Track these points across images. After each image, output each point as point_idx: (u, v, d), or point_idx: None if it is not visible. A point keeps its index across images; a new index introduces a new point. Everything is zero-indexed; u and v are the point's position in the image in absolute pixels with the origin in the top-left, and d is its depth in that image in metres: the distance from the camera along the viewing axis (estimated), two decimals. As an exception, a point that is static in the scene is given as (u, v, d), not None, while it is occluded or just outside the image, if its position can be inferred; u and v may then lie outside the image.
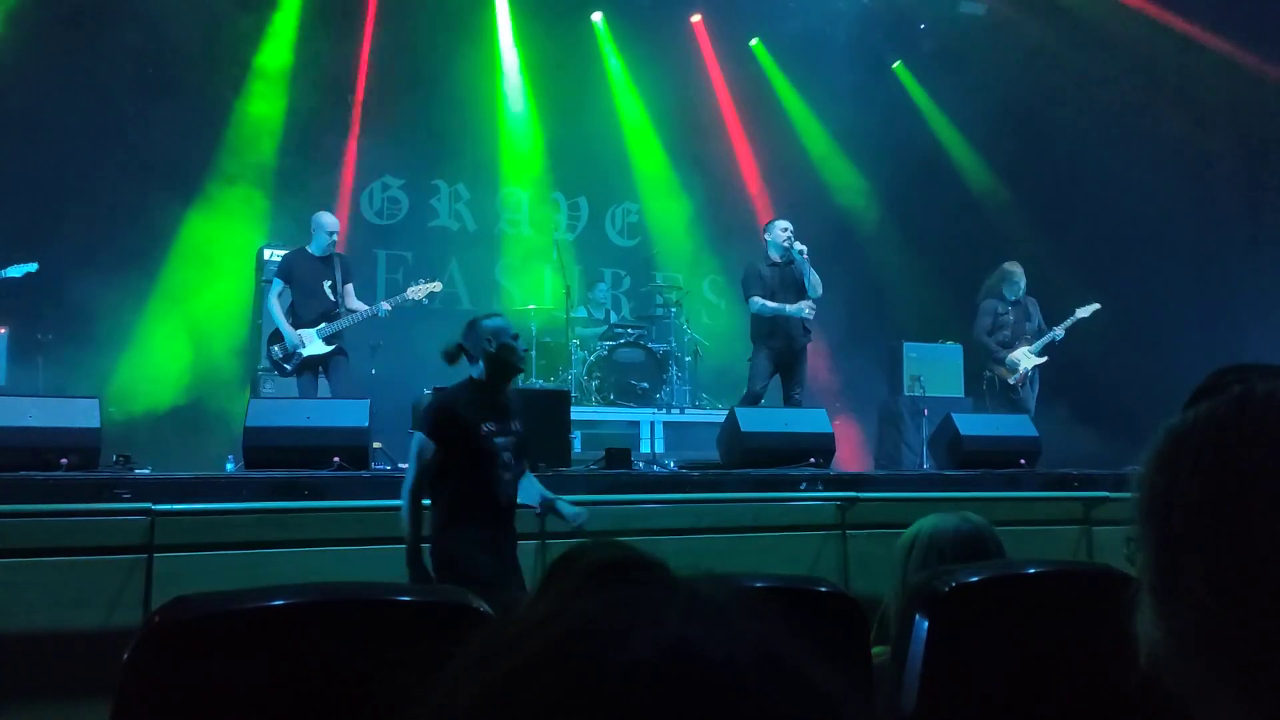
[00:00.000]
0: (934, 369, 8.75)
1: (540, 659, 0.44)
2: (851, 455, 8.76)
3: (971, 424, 6.20)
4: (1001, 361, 7.63)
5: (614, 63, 10.12)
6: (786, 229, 6.97)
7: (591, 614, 0.46)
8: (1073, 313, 7.61)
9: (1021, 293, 7.74)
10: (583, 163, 9.85)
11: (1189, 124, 8.97)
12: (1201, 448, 0.67)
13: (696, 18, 10.35)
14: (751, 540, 4.93)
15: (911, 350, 8.82)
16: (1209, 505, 0.65)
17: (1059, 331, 7.58)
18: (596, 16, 10.11)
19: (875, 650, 2.14)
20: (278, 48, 8.78)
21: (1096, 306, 7.59)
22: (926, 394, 8.43)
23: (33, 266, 6.38)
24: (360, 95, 8.97)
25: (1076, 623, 1.67)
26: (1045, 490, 5.66)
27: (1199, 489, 0.66)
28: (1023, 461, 5.96)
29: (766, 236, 7.13)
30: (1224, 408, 0.68)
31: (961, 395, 8.70)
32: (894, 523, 5.19)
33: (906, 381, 8.68)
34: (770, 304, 6.82)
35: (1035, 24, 9.53)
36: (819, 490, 5.24)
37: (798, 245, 6.82)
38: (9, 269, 6.29)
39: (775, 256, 6.99)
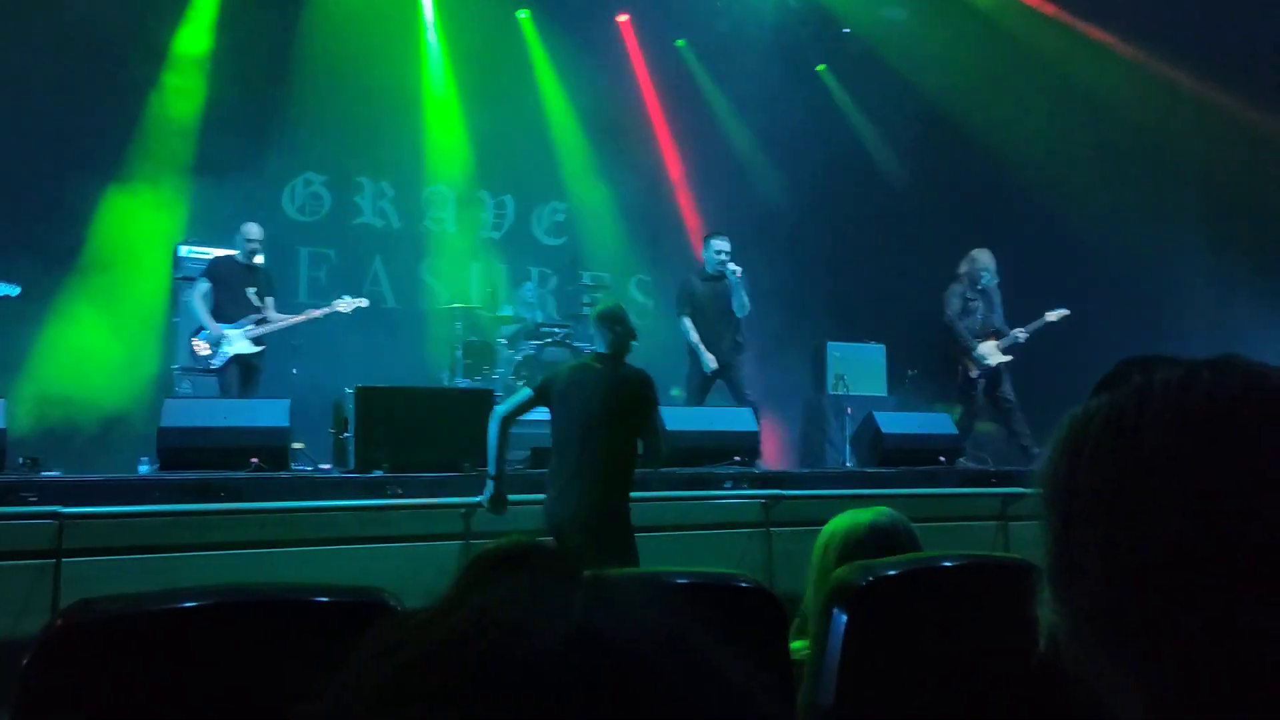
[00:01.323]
0: (857, 368, 8.90)
1: (440, 649, 0.44)
2: (777, 453, 8.85)
3: (892, 422, 6.32)
4: (970, 351, 7.39)
5: (541, 61, 10.08)
6: (721, 250, 7.07)
7: (494, 604, 0.46)
8: (1041, 315, 7.43)
9: (989, 281, 7.52)
10: (509, 161, 9.79)
11: (1104, 129, 9.27)
12: (1101, 436, 0.68)
13: (623, 17, 10.37)
14: (677, 539, 4.95)
15: (835, 350, 8.96)
16: (1107, 492, 0.66)
17: (1021, 334, 7.41)
18: (522, 14, 10.06)
19: (795, 645, 2.16)
20: (196, 33, 8.53)
21: (1065, 312, 7.42)
22: (850, 393, 8.58)
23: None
24: (281, 88, 8.77)
25: (992, 614, 1.71)
26: (964, 486, 5.79)
27: (1098, 476, 0.67)
28: (942, 459, 6.09)
29: (703, 251, 7.23)
30: (1124, 397, 0.69)
31: (884, 394, 8.87)
32: (817, 520, 5.21)
33: (831, 380, 8.81)
34: (693, 335, 6.94)
35: (953, 30, 9.75)
36: (744, 488, 5.29)
37: (732, 267, 6.94)
38: None
39: (709, 271, 7.11)
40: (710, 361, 6.88)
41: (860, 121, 10.57)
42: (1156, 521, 0.64)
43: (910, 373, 9.16)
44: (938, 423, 6.59)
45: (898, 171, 10.41)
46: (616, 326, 4.12)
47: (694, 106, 10.43)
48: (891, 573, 1.91)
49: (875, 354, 9.07)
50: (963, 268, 7.67)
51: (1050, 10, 9.53)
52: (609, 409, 3.95)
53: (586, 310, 9.14)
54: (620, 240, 10.25)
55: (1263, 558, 0.61)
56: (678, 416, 5.83)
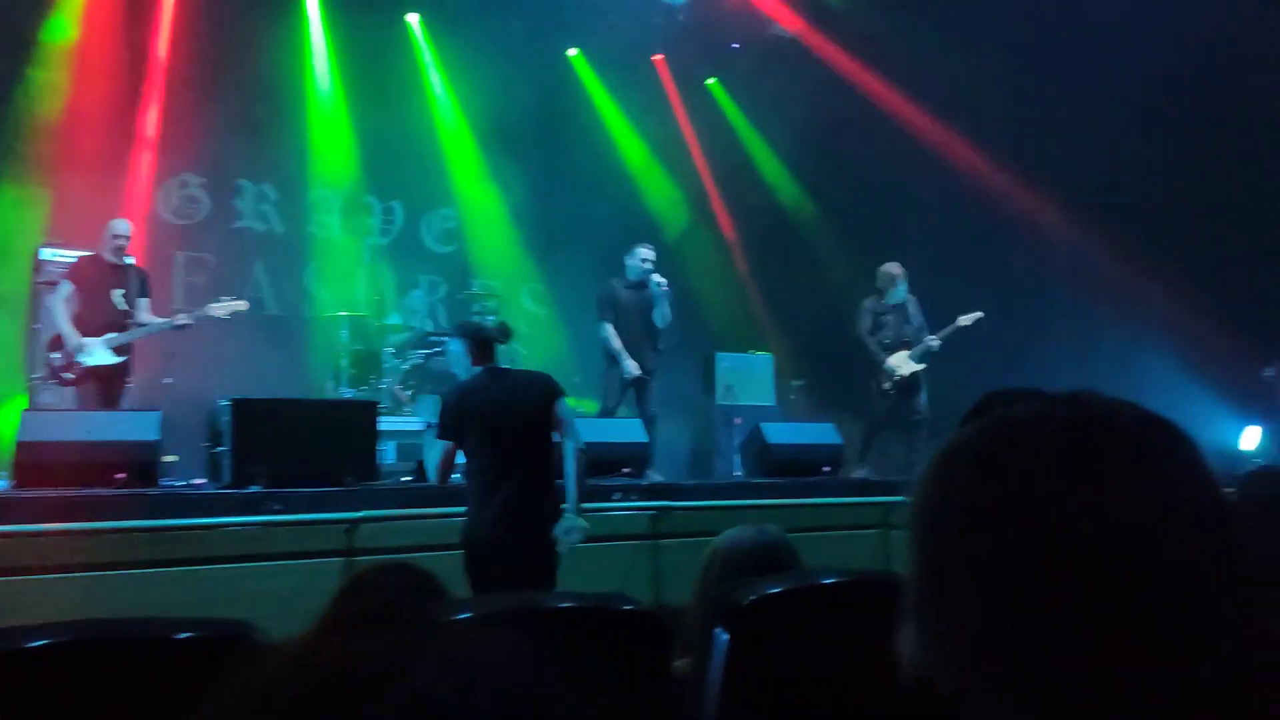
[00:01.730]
0: (746, 378, 9.03)
1: (290, 707, 0.45)
2: (668, 464, 8.91)
3: (779, 432, 6.43)
4: (879, 365, 7.48)
5: (431, 65, 9.93)
6: (647, 259, 7.08)
7: (346, 662, 0.47)
8: (954, 321, 7.50)
9: (901, 295, 7.62)
10: (398, 166, 9.61)
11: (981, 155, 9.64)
12: (967, 467, 0.71)
13: (516, 25, 10.29)
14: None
15: (724, 360, 9.07)
16: (973, 521, 0.69)
17: (934, 341, 7.47)
18: (413, 18, 9.90)
19: (678, 663, 2.17)
20: (63, 24, 8.08)
21: (979, 315, 7.50)
22: (739, 403, 8.70)
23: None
24: (156, 85, 8.41)
25: (873, 631, 1.74)
26: (847, 496, 5.92)
27: (964, 506, 0.70)
28: (826, 468, 6.21)
29: (627, 259, 7.21)
30: (988, 430, 0.73)
31: (772, 403, 9.01)
32: (706, 531, 5.29)
33: (720, 391, 8.92)
34: (615, 343, 6.90)
35: (840, 50, 10.02)
36: (633, 500, 5.29)
37: (657, 279, 6.95)
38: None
39: (632, 279, 7.11)
40: (633, 367, 6.84)
41: (750, 135, 10.74)
42: (1020, 551, 0.66)
43: (796, 383, 9.34)
44: (822, 433, 6.73)
45: (786, 185, 10.61)
46: (476, 335, 4.06)
47: (586, 116, 10.43)
48: (773, 590, 1.93)
49: (763, 364, 9.22)
50: (877, 281, 7.80)
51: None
52: (511, 419, 3.86)
53: (476, 319, 9.06)
54: (512, 248, 10.17)
55: (1115, 585, 0.64)
56: (567, 428, 5.79)
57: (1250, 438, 9.26)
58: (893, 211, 9.78)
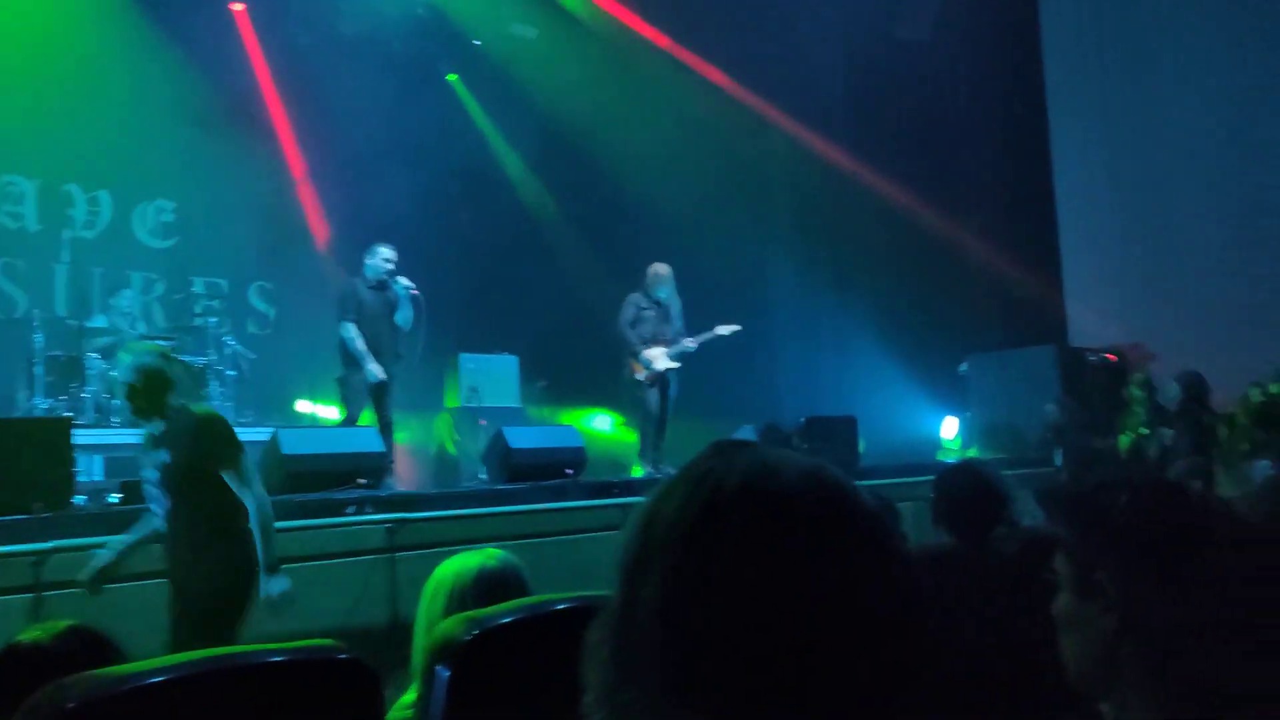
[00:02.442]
0: (490, 380, 8.94)
1: None
2: (412, 471, 8.66)
3: (521, 437, 6.37)
4: (636, 356, 7.52)
5: (145, 43, 9.06)
6: (389, 259, 6.75)
7: None
8: (711, 328, 7.64)
9: (665, 294, 7.68)
10: (106, 152, 8.72)
11: (710, 155, 10.04)
12: (670, 521, 0.75)
13: (239, 6, 9.63)
14: (297, 571, 4.63)
15: (468, 361, 8.94)
16: (663, 580, 0.72)
17: (691, 344, 7.58)
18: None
19: (406, 699, 2.06)
20: None
21: (737, 327, 7.67)
22: (484, 404, 8.58)
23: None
24: None
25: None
26: (588, 499, 5.95)
27: (656, 555, 0.74)
28: (569, 471, 6.23)
29: (367, 259, 6.83)
30: (698, 495, 0.75)
31: (518, 405, 8.97)
32: (447, 541, 5.17)
33: (464, 393, 8.77)
34: (359, 344, 6.53)
35: (579, 52, 10.11)
36: (368, 513, 5.06)
37: (404, 281, 6.65)
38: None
39: (373, 279, 6.77)
40: (377, 371, 6.50)
41: (492, 133, 10.62)
42: (687, 609, 0.71)
43: (540, 383, 9.35)
44: (564, 435, 6.75)
45: (528, 184, 10.58)
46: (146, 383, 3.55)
47: (320, 106, 9.91)
48: (501, 622, 1.86)
49: (508, 365, 9.16)
50: (645, 279, 7.89)
51: (664, 43, 10.18)
52: (170, 474, 3.47)
53: (199, 321, 8.41)
54: (238, 243, 9.49)
55: (757, 646, 0.68)
56: (295, 439, 5.47)
57: (949, 427, 10.23)
58: (638, 214, 10.00)
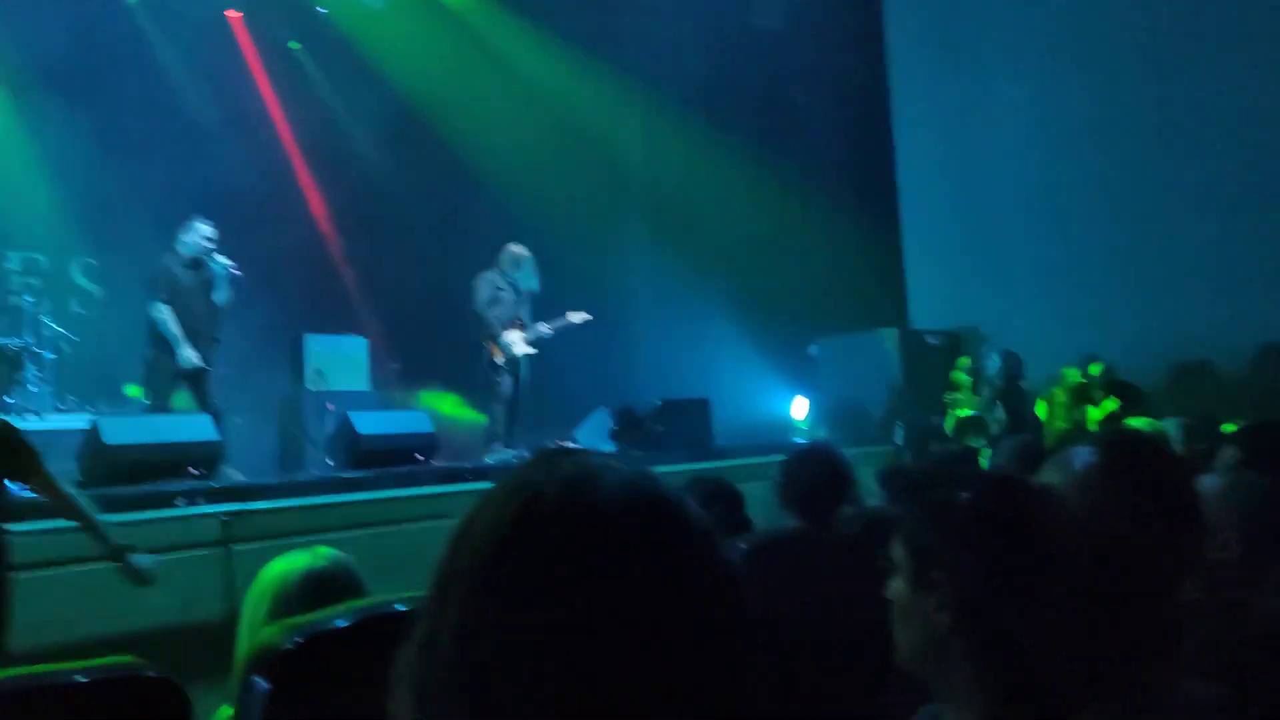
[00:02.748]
0: (338, 362, 8.62)
1: None
2: (253, 460, 8.28)
3: (369, 422, 6.17)
4: (496, 338, 7.38)
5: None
6: (207, 235, 6.37)
7: None
8: (563, 314, 7.58)
9: (522, 277, 7.55)
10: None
11: (563, 131, 9.96)
12: (483, 534, 0.71)
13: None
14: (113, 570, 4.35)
15: (314, 343, 8.58)
16: (473, 591, 0.69)
17: (547, 330, 7.51)
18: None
19: (225, 712, 1.93)
20: None
21: (588, 316, 7.64)
22: (331, 388, 8.27)
23: None
24: None
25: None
26: (440, 485, 5.82)
27: (463, 569, 0.70)
28: (420, 457, 6.07)
29: (182, 235, 6.42)
30: (512, 508, 0.71)
31: (367, 389, 8.68)
32: (291, 532, 4.95)
33: (309, 375, 8.43)
34: (173, 326, 6.15)
35: (428, 23, 9.83)
36: (200, 504, 4.79)
37: (222, 260, 6.28)
38: None
39: (189, 256, 6.36)
40: (192, 357, 6.15)
41: (337, 104, 10.20)
42: (488, 633, 0.67)
43: (392, 366, 9.09)
44: (415, 421, 6.57)
45: (375, 158, 10.21)
46: None
47: (148, 71, 9.29)
48: (328, 627, 1.76)
49: (356, 347, 8.85)
50: (500, 259, 7.71)
51: (520, 19, 10.00)
52: None
53: (14, 300, 7.78)
54: (61, 216, 8.82)
55: (565, 674, 0.64)
56: (119, 428, 5.12)
57: (799, 407, 10.51)
58: (492, 192, 9.82)
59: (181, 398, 6.33)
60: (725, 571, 0.70)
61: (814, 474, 3.16)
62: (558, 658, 0.64)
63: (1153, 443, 1.61)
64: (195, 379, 6.30)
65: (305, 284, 9.53)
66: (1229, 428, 3.83)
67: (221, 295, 6.34)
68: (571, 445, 7.63)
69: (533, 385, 7.58)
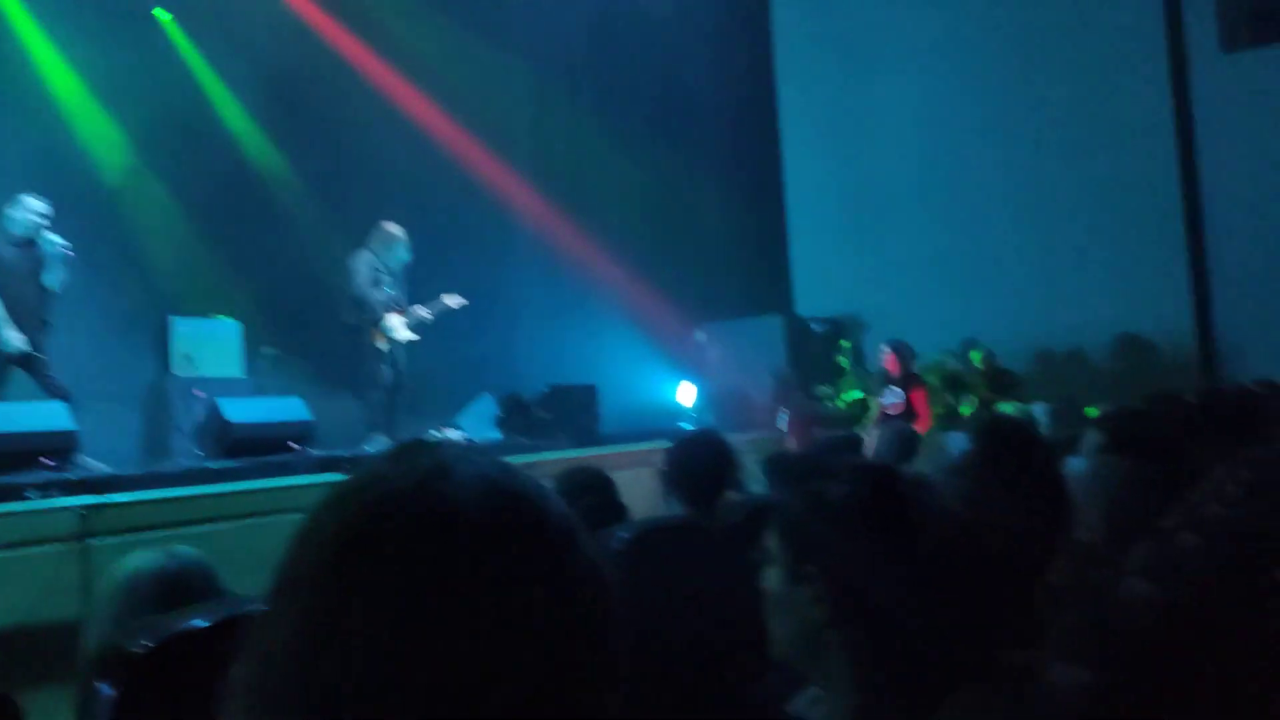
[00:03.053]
0: (208, 347, 8.25)
1: None
2: (117, 448, 7.87)
3: (240, 410, 5.92)
4: (377, 323, 7.18)
5: None
6: (40, 212, 5.97)
7: None
8: (439, 298, 7.43)
9: (400, 258, 7.38)
10: None
11: (460, 117, 9.77)
12: (327, 534, 0.65)
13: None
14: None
15: (182, 325, 8.19)
16: (318, 603, 0.63)
17: (427, 314, 7.37)
18: None
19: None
20: None
21: (464, 302, 7.51)
22: (200, 374, 7.92)
23: None
24: None
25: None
26: (316, 474, 5.63)
27: (312, 587, 0.64)
28: (294, 445, 5.87)
29: (8, 210, 6.01)
30: (358, 507, 0.65)
31: (241, 375, 8.34)
32: (153, 525, 4.72)
33: (176, 360, 8.05)
34: None
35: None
36: (54, 497, 4.52)
37: (55, 239, 5.90)
38: None
39: (18, 235, 5.96)
40: (16, 340, 5.79)
41: (206, 76, 9.72)
42: (330, 644, 0.61)
43: (266, 351, 8.75)
44: (289, 408, 6.34)
45: (249, 134, 9.78)
46: None
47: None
48: (180, 629, 1.66)
49: (229, 330, 8.48)
50: (373, 239, 7.44)
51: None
52: None
53: None
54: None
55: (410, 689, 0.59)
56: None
57: (686, 393, 10.59)
58: (373, 171, 9.54)
59: (19, 386, 5.94)
60: (587, 568, 0.66)
61: (700, 461, 3.16)
62: (406, 666, 0.59)
63: (1022, 428, 1.65)
64: (27, 365, 5.93)
65: (172, 264, 9.09)
66: (1092, 412, 4.00)
67: (54, 277, 5.98)
68: (451, 433, 7.52)
69: (415, 371, 7.41)
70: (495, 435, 7.71)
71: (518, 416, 7.52)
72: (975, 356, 8.92)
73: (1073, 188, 10.16)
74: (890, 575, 1.10)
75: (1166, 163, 9.84)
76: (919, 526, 1.09)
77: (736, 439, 3.42)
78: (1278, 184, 9.31)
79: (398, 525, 0.63)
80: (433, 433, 7.39)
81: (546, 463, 6.53)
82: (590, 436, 7.65)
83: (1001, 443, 1.58)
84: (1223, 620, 1.13)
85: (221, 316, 8.44)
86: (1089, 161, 10.08)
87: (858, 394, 8.97)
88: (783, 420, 8.77)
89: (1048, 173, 10.33)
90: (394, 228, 7.44)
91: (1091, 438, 2.92)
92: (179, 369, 7.92)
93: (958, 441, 1.62)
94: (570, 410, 7.79)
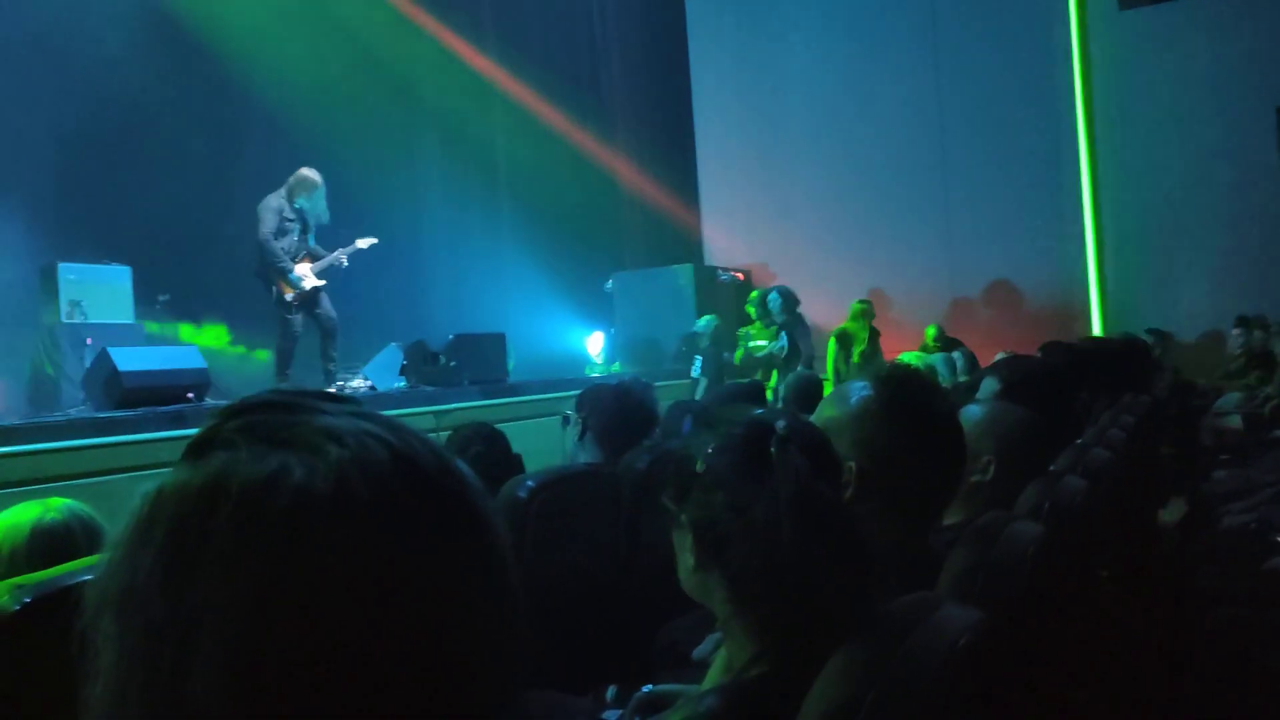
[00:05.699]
0: (97, 293, 7.89)
1: None
2: (3, 399, 7.52)
3: (132, 358, 5.68)
4: (285, 274, 6.98)
5: None
6: None
7: None
8: (352, 242, 7.30)
9: (311, 205, 7.15)
10: None
11: (356, 60, 9.42)
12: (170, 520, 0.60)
13: None
14: None
15: (69, 271, 7.81)
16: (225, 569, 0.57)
17: (343, 258, 7.21)
18: None
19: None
20: None
21: (374, 240, 7.38)
22: (89, 321, 7.59)
23: None
24: None
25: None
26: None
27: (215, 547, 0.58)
28: (190, 395, 5.67)
29: None
30: (203, 479, 0.61)
31: (132, 321, 8.02)
32: (40, 479, 4.52)
33: (65, 307, 7.68)
34: None
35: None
36: (-70, 451, 4.29)
37: None
38: None
39: None
40: None
41: (85, 4, 9.11)
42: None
43: (161, 298, 8.42)
44: (185, 356, 6.12)
45: (134, 70, 9.25)
46: None
47: None
48: (59, 586, 1.59)
49: (120, 276, 8.12)
50: (291, 186, 7.20)
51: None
52: None
53: None
54: None
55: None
56: None
57: (594, 343, 10.58)
58: (271, 112, 9.18)
59: None
60: (493, 547, 0.62)
61: (620, 411, 3.14)
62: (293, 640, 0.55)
63: (919, 377, 1.68)
64: None
65: (58, 207, 8.63)
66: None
67: None
68: (358, 383, 7.37)
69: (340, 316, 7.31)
70: (401, 384, 7.59)
71: (423, 365, 7.39)
72: (930, 331, 9.20)
73: (976, 142, 10.40)
74: (755, 523, 1.11)
75: (1070, 119, 10.14)
76: (795, 477, 1.10)
77: (650, 385, 3.41)
78: (1170, 137, 9.67)
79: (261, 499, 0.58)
80: (339, 384, 7.23)
81: (455, 411, 6.46)
82: (497, 385, 7.58)
83: (899, 390, 1.61)
84: (1104, 559, 1.17)
85: (112, 263, 8.07)
86: (991, 117, 10.32)
87: (763, 342, 9.09)
88: (696, 368, 8.83)
89: (951, 128, 10.54)
90: (311, 173, 7.20)
91: (989, 384, 3.00)
92: (67, 316, 7.57)
93: (858, 389, 1.63)
94: (478, 358, 7.70)
